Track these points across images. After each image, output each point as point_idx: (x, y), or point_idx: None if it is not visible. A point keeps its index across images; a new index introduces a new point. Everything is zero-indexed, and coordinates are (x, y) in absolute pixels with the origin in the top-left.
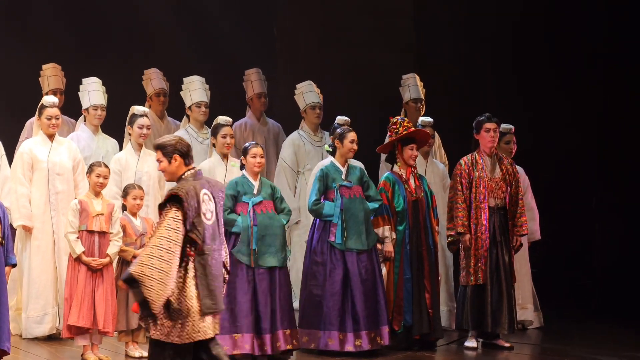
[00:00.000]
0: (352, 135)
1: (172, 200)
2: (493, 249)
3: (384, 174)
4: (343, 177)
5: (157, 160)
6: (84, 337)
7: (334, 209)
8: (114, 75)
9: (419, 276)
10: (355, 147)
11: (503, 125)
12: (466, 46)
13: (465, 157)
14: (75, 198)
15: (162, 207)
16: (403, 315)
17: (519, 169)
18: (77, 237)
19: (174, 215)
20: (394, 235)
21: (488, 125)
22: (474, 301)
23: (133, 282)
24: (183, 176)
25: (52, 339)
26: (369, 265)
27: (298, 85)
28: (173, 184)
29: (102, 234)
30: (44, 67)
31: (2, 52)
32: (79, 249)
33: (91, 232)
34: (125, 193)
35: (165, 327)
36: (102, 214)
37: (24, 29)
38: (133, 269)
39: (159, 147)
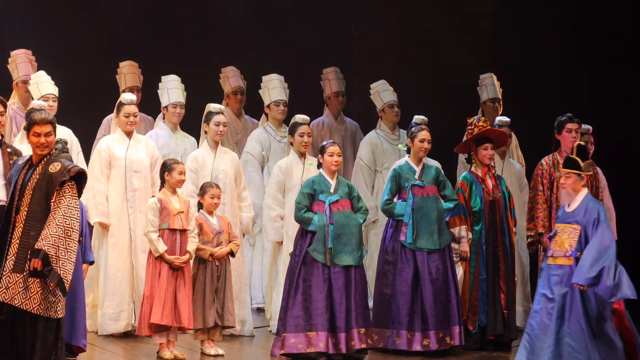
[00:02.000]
0: (422, 135)
1: (76, 177)
2: None
3: (462, 174)
4: (416, 176)
5: (47, 133)
6: (162, 334)
7: (405, 208)
8: (192, 73)
9: (495, 276)
10: (426, 146)
11: (582, 126)
12: (544, 46)
13: (546, 158)
14: (153, 196)
15: (64, 184)
16: (478, 315)
17: (597, 169)
18: (159, 236)
19: (74, 193)
20: (470, 235)
21: (570, 125)
22: None
23: (48, 264)
24: (53, 150)
25: (127, 335)
26: (440, 265)
27: (372, 85)
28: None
29: (183, 231)
30: (121, 64)
31: (78, 50)
32: (162, 247)
33: (173, 231)
34: (202, 191)
35: (49, 302)
36: (182, 212)
37: (100, 26)
38: (50, 251)
39: (50, 122)
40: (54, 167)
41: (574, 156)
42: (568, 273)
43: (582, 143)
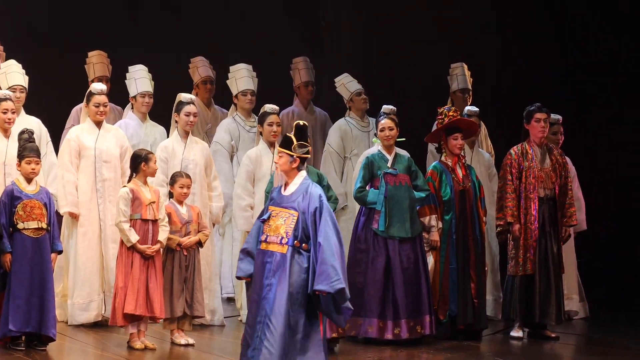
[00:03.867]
0: (381, 124)
1: None
2: (542, 239)
3: (431, 163)
4: (389, 164)
5: None
6: (134, 324)
7: (378, 196)
8: (161, 62)
9: (465, 266)
10: (387, 133)
11: (551, 116)
12: (514, 35)
13: (515, 147)
14: (124, 186)
15: None
16: (448, 304)
17: (566, 159)
18: (130, 226)
19: None
20: (440, 225)
21: (539, 115)
22: (522, 291)
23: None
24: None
25: (97, 325)
26: (411, 254)
27: (336, 79)
28: None
29: (154, 221)
30: (90, 54)
31: (47, 39)
32: (134, 237)
33: (145, 221)
34: (172, 181)
35: None
36: (154, 202)
37: (69, 15)
38: None
39: None
40: None
41: (290, 135)
42: (279, 261)
43: (302, 123)
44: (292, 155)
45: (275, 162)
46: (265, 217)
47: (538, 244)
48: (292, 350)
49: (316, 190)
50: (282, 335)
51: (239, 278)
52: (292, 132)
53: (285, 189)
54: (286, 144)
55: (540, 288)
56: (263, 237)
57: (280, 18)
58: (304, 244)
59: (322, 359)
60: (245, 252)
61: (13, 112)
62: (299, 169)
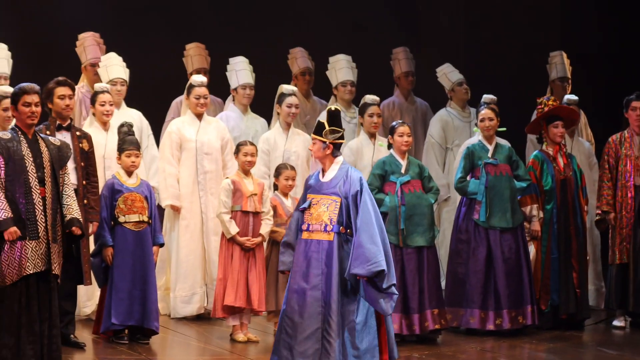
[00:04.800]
0: (481, 114)
1: None
2: (638, 228)
3: (531, 153)
4: (489, 155)
5: (37, 103)
6: (236, 317)
7: (479, 186)
8: (259, 53)
9: (567, 255)
10: (487, 124)
11: None
12: (614, 23)
13: (614, 135)
14: (227, 178)
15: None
16: (550, 294)
17: None
18: (231, 218)
19: None
20: (541, 214)
21: (635, 103)
22: (618, 280)
23: (83, 230)
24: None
25: (200, 318)
26: (513, 244)
27: (438, 69)
28: None
29: (256, 214)
30: (187, 46)
31: (146, 33)
32: (234, 229)
33: (246, 213)
34: (277, 173)
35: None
36: (256, 194)
37: (167, 8)
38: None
39: (37, 92)
40: (55, 141)
41: (323, 121)
42: (327, 249)
43: (334, 108)
44: (324, 142)
45: (310, 149)
46: (305, 205)
47: (634, 232)
48: (347, 339)
49: (356, 174)
50: (338, 324)
51: (282, 272)
52: (325, 118)
53: (323, 176)
54: (318, 130)
55: (636, 277)
56: (304, 227)
57: (380, 7)
58: (349, 230)
59: (372, 345)
60: (286, 245)
61: (111, 105)
62: (333, 154)
